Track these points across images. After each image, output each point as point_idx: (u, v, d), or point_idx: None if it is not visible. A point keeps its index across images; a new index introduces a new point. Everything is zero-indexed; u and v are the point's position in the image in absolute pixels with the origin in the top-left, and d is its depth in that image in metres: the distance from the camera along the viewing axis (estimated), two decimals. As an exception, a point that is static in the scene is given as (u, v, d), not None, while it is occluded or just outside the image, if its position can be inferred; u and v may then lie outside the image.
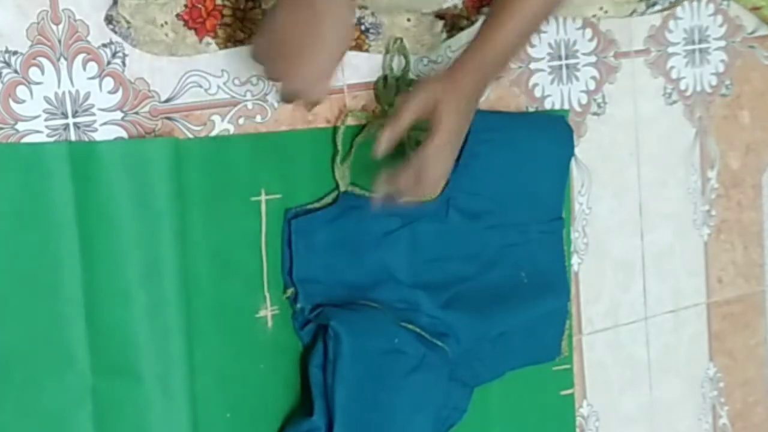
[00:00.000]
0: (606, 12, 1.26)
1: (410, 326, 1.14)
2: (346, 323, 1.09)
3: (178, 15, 1.06)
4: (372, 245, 1.15)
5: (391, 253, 1.16)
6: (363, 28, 1.16)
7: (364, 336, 1.10)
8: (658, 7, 1.29)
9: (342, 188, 1.14)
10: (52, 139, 1.01)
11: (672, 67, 1.41)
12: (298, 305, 1.12)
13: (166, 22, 1.05)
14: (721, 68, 1.45)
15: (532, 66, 1.29)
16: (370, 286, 1.15)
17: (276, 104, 1.13)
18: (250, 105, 1.12)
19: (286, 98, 1.02)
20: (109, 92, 1.04)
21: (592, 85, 1.34)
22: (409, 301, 1.16)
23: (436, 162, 1.05)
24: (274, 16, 0.98)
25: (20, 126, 1.00)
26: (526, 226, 1.24)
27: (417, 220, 1.17)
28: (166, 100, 1.07)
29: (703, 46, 1.43)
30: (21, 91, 1.00)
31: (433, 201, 1.17)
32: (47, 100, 1.01)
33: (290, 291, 1.12)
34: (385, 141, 1.04)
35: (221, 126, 1.10)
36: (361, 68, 1.17)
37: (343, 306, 1.11)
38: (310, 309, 1.12)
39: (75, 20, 1.02)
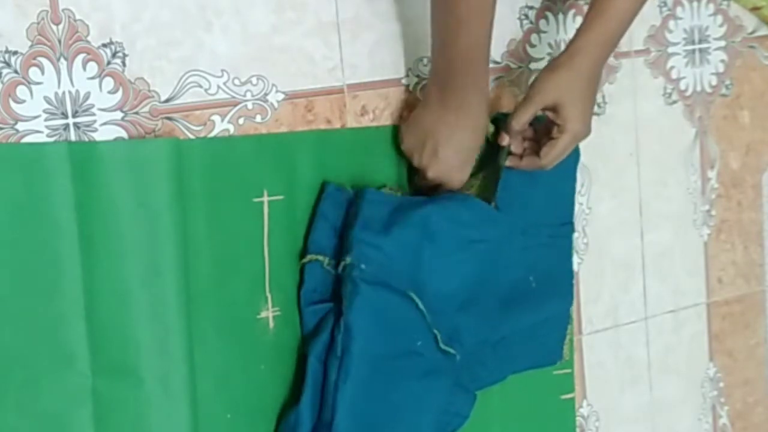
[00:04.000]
0: None
1: (437, 333, 1.13)
2: (365, 320, 1.07)
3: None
4: (457, 246, 1.14)
5: (469, 260, 1.15)
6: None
7: (383, 335, 1.08)
8: None
9: None
10: (52, 139, 1.01)
11: (672, 67, 1.41)
12: (348, 260, 1.09)
13: None
14: (721, 68, 1.45)
15: (532, 66, 1.29)
16: (427, 281, 1.13)
17: (276, 104, 1.13)
18: (250, 105, 1.12)
19: (426, 184, 1.16)
20: (109, 92, 1.04)
21: (592, 85, 1.34)
22: (441, 303, 1.14)
23: (566, 153, 1.16)
24: (423, 114, 1.14)
25: (20, 126, 1.00)
26: (537, 228, 1.24)
27: (501, 236, 1.17)
28: (166, 100, 1.07)
29: (703, 46, 1.43)
30: (21, 91, 1.00)
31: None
32: (47, 100, 1.01)
33: (309, 257, 1.11)
34: (509, 136, 1.15)
35: (221, 126, 1.10)
36: (361, 68, 1.17)
37: (368, 289, 1.08)
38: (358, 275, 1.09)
39: (75, 20, 1.02)
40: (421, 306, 1.11)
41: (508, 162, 1.18)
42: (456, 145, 1.13)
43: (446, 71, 1.11)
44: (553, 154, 1.15)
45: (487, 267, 1.17)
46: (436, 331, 1.12)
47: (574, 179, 1.27)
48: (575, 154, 1.27)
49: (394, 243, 1.11)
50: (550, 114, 1.14)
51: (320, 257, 1.12)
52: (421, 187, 1.18)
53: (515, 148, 1.18)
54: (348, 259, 1.09)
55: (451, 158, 1.14)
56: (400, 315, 1.10)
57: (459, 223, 1.14)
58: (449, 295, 1.15)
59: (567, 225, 1.27)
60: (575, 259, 1.34)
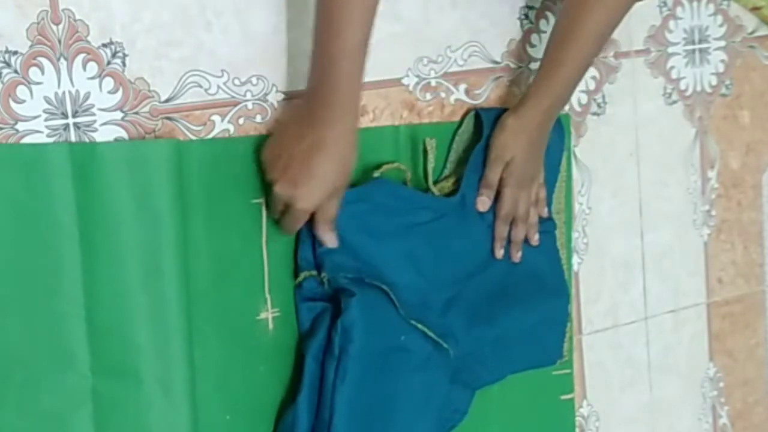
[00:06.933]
0: None
1: (418, 325, 1.13)
2: (361, 321, 1.07)
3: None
4: (399, 233, 1.15)
5: (416, 245, 1.16)
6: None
7: (373, 333, 1.09)
8: None
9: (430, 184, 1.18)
10: (52, 139, 1.01)
11: (672, 67, 1.41)
12: (323, 275, 1.10)
13: None
14: (721, 68, 1.45)
15: (532, 66, 1.29)
16: (389, 273, 1.14)
17: (276, 104, 1.13)
18: (250, 105, 1.12)
19: (276, 203, 1.07)
20: (109, 92, 1.04)
21: (592, 85, 1.34)
22: (421, 297, 1.15)
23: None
24: (289, 125, 1.07)
25: (20, 126, 1.00)
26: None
27: (444, 215, 1.17)
28: (166, 100, 1.07)
29: (703, 46, 1.43)
30: (21, 91, 1.00)
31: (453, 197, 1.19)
32: (47, 100, 1.01)
33: (303, 275, 1.12)
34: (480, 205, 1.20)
35: (221, 126, 1.10)
36: (361, 68, 1.17)
37: (360, 291, 1.09)
38: (333, 281, 1.11)
39: (75, 20, 1.02)
40: (393, 299, 1.11)
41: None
42: (316, 171, 1.04)
43: (318, 81, 1.04)
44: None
45: (453, 255, 1.18)
46: (414, 322, 1.12)
47: (556, 174, 1.27)
48: (560, 150, 1.27)
49: (352, 244, 1.12)
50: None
51: (314, 273, 1.12)
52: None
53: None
54: (325, 274, 1.11)
55: (308, 183, 1.04)
56: (384, 312, 1.11)
57: (388, 212, 1.14)
58: (418, 287, 1.15)
59: (548, 221, 1.27)
60: (575, 259, 1.34)
